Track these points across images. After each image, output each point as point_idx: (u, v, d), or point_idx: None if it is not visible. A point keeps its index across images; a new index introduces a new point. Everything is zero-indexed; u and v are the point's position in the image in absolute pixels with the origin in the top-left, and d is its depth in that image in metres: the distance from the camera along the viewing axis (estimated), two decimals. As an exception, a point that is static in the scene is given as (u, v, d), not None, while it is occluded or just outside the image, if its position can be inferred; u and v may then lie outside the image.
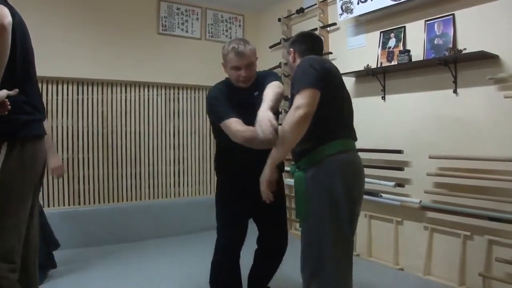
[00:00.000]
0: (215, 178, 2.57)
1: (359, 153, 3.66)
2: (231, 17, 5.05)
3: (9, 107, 1.45)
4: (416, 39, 3.23)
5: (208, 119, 4.97)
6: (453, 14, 2.98)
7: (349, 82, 3.87)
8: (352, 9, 3.62)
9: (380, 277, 3.19)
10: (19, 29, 1.60)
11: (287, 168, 2.52)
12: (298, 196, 1.87)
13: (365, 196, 3.53)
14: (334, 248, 1.77)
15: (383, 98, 3.53)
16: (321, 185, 1.79)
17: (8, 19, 1.38)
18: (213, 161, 2.54)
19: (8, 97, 1.45)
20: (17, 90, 1.49)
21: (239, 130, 2.08)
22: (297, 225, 4.53)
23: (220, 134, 2.25)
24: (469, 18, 2.89)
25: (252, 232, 2.54)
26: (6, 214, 1.52)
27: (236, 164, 2.33)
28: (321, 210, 1.78)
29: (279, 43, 4.74)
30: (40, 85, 2.73)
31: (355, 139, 2.01)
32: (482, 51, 2.68)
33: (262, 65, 5.14)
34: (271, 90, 2.11)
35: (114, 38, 4.27)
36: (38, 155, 1.65)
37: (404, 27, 3.35)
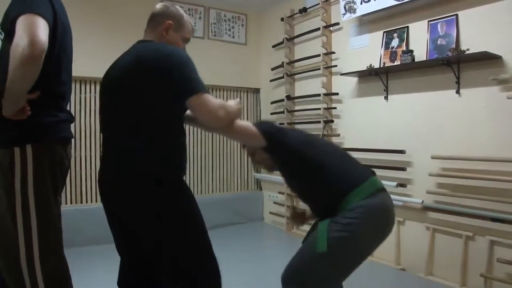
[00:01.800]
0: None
1: (362, 153, 3.67)
2: (234, 16, 5.05)
3: (29, 112, 1.42)
4: (419, 39, 3.23)
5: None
6: (457, 15, 2.97)
7: (351, 82, 3.87)
8: (355, 9, 3.62)
9: (381, 277, 3.20)
10: (61, 26, 1.53)
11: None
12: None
13: (367, 196, 3.52)
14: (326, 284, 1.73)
15: (386, 98, 3.53)
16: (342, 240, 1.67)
17: (40, 46, 1.28)
18: (145, 158, 1.59)
19: (28, 100, 1.42)
20: (38, 93, 1.45)
21: (216, 103, 1.58)
22: (299, 224, 4.53)
23: (180, 113, 1.68)
24: (473, 18, 2.89)
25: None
26: (50, 211, 1.56)
27: (185, 161, 1.75)
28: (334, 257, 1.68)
29: (282, 43, 4.74)
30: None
31: (369, 174, 1.81)
32: (485, 51, 2.68)
33: (265, 64, 5.17)
34: None
35: (116, 37, 4.26)
36: (65, 155, 1.62)
37: (407, 27, 3.34)
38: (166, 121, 1.62)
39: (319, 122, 4.14)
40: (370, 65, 3.50)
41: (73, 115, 1.76)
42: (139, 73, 1.59)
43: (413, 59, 3.17)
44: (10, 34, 1.36)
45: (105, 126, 1.74)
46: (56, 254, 1.57)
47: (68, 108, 1.73)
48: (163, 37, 1.79)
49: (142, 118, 1.58)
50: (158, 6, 1.84)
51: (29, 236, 1.48)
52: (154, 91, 1.57)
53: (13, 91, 1.34)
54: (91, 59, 4.07)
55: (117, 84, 1.67)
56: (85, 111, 4.22)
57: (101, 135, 1.78)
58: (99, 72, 4.33)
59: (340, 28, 4.05)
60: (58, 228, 1.61)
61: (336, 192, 1.72)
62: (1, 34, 1.51)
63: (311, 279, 1.70)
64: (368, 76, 3.62)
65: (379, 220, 1.73)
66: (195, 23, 4.71)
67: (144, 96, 1.57)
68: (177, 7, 1.87)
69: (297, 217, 2.10)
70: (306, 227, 4.57)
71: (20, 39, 1.28)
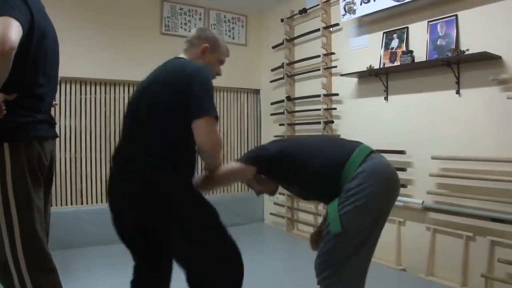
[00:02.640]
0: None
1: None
2: (234, 17, 5.05)
3: (5, 111, 1.48)
4: (419, 39, 3.23)
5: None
6: (456, 15, 2.98)
7: (351, 83, 3.87)
8: (355, 10, 3.62)
9: (382, 278, 3.19)
10: (38, 30, 1.59)
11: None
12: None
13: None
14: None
15: (386, 98, 3.53)
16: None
17: (9, 43, 1.35)
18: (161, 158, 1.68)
19: (5, 100, 1.48)
20: (15, 94, 1.52)
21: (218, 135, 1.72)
22: (300, 225, 4.53)
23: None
24: (472, 19, 2.89)
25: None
26: (32, 208, 1.58)
27: (193, 169, 1.84)
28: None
29: (282, 44, 4.74)
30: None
31: (355, 146, 1.87)
32: (485, 52, 2.68)
33: (265, 65, 5.17)
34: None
35: (117, 38, 4.28)
36: (43, 153, 1.66)
37: (407, 27, 3.35)
38: (180, 129, 1.69)
39: (319, 123, 4.14)
40: (370, 65, 3.51)
41: (54, 118, 1.82)
42: (164, 84, 1.70)
43: (413, 60, 3.17)
44: None
45: (128, 129, 1.80)
46: (38, 248, 1.61)
47: (52, 113, 1.79)
48: (200, 58, 1.91)
49: (162, 124, 1.67)
50: (193, 30, 1.98)
51: (12, 233, 1.53)
52: (175, 102, 1.65)
53: None
54: (89, 61, 4.09)
55: (146, 93, 1.75)
56: (85, 112, 4.22)
57: (121, 136, 1.83)
58: (98, 73, 4.37)
59: (340, 29, 4.05)
60: (40, 222, 1.63)
61: (332, 174, 1.78)
62: None
63: (340, 261, 1.75)
64: (368, 76, 3.62)
65: (383, 175, 1.81)
66: (195, 24, 4.72)
67: (168, 105, 1.66)
68: (212, 30, 1.99)
69: (316, 240, 2.10)
70: (308, 228, 4.56)
71: None
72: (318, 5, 4.21)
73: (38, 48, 1.62)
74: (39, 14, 1.62)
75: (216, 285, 1.70)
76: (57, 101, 4.01)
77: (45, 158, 1.69)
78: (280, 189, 2.06)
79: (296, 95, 4.66)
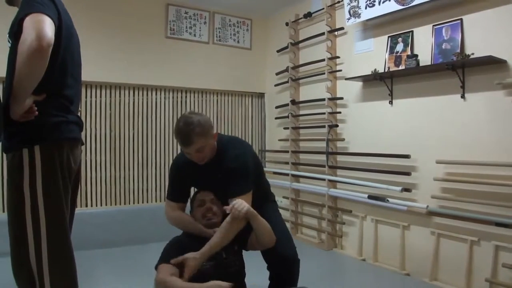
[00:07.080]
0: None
1: (366, 158, 3.67)
2: (239, 21, 5.07)
3: (36, 112, 1.45)
4: (424, 43, 3.23)
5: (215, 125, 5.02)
6: (461, 19, 2.97)
7: (356, 87, 3.88)
8: (359, 14, 3.63)
9: (386, 282, 3.18)
10: (66, 29, 1.58)
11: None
12: None
13: (371, 201, 3.54)
14: None
15: (391, 102, 3.53)
16: None
17: (46, 40, 1.33)
18: None
19: (35, 101, 1.45)
20: (44, 95, 1.49)
21: (168, 212, 2.34)
22: (303, 229, 4.52)
23: None
24: (477, 23, 2.89)
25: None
26: (60, 212, 1.55)
27: None
28: None
29: (286, 47, 4.75)
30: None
31: None
32: (490, 56, 2.67)
33: (270, 69, 5.18)
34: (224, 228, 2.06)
35: (122, 42, 4.31)
36: (72, 157, 1.63)
37: (412, 31, 3.35)
38: None
39: (323, 126, 4.14)
40: (375, 69, 3.51)
41: (82, 121, 1.79)
42: None
43: (418, 64, 3.17)
44: (17, 37, 1.39)
45: None
46: (64, 254, 1.58)
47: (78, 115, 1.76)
48: None
49: None
50: None
51: (38, 237, 1.50)
52: None
53: (21, 87, 1.36)
54: (94, 64, 4.10)
55: None
56: (90, 115, 4.24)
57: None
58: (103, 76, 4.39)
59: (345, 33, 4.06)
60: (66, 229, 1.60)
61: None
62: (9, 42, 1.54)
63: None
64: (372, 80, 3.62)
65: None
66: (200, 28, 4.74)
67: None
68: (177, 122, 2.14)
69: None
70: (312, 232, 4.52)
71: (28, 35, 1.33)
72: (323, 9, 4.22)
73: (66, 48, 1.60)
74: (65, 14, 1.61)
75: None
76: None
77: (74, 162, 1.65)
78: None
79: (301, 99, 4.66)
